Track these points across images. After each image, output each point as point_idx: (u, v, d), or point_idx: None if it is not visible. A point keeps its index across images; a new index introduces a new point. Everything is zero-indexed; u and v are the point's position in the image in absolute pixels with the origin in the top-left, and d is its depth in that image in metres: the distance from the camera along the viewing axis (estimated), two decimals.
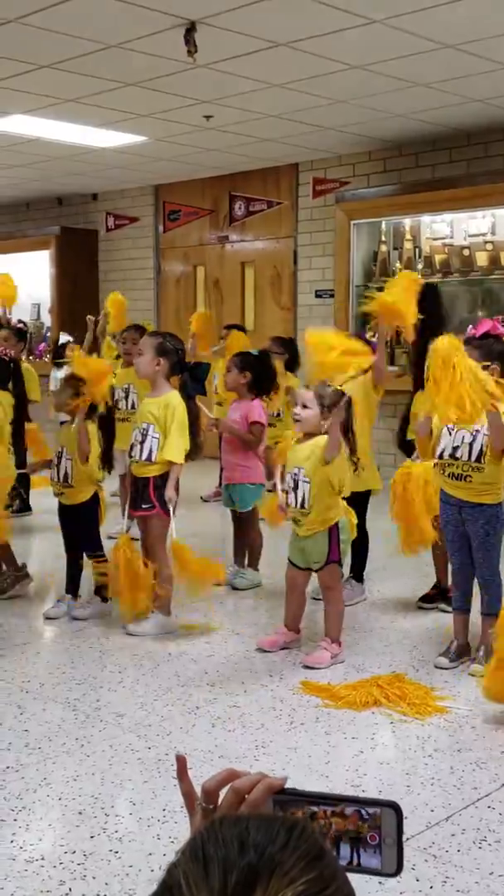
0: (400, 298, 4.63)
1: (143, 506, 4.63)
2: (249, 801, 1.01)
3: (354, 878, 0.90)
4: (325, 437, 4.18)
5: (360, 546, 5.21)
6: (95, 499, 4.94)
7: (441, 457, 4.15)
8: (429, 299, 4.78)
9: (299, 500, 4.24)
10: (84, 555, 4.97)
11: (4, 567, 5.31)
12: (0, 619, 4.86)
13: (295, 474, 4.24)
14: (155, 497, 4.57)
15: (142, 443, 4.61)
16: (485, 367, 4.04)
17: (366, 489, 4.96)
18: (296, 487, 4.24)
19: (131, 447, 4.69)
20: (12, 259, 12.22)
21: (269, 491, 5.21)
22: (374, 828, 1.00)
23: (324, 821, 1.01)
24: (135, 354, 6.12)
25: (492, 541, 4.13)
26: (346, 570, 5.30)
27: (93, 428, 4.83)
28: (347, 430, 4.40)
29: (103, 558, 4.89)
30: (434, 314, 4.82)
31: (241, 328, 8.04)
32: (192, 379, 4.89)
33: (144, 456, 4.59)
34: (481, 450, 4.04)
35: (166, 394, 4.66)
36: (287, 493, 4.29)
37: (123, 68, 6.19)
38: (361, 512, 5.02)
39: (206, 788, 1.06)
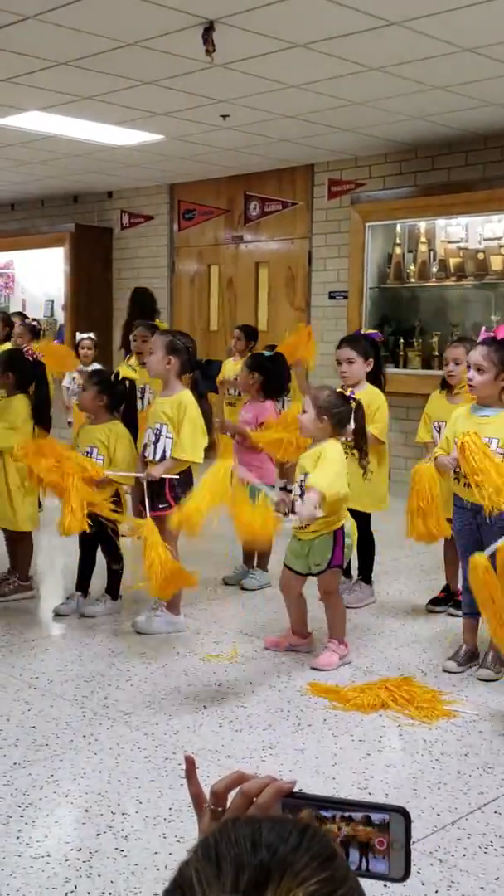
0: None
1: (160, 506, 4.63)
2: (258, 805, 1.01)
3: (364, 883, 0.90)
4: (329, 446, 4.18)
5: (367, 549, 5.23)
6: (115, 497, 4.95)
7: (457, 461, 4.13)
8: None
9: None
10: (98, 552, 4.97)
11: (12, 571, 5.28)
12: (11, 615, 4.88)
13: (301, 480, 4.23)
14: (171, 497, 4.57)
15: (155, 443, 4.60)
16: (499, 374, 4.04)
17: (374, 509, 5.07)
18: (302, 493, 4.20)
19: (144, 447, 4.68)
20: (27, 255, 12.32)
21: (282, 489, 5.21)
22: (383, 833, 1.00)
23: (332, 825, 1.01)
24: (146, 353, 6.13)
25: None
26: (354, 572, 5.33)
27: (123, 429, 4.86)
28: (359, 435, 4.40)
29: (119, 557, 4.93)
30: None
31: (254, 329, 8.01)
32: (203, 377, 4.88)
33: (158, 456, 4.59)
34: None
35: (178, 393, 4.65)
36: (295, 500, 4.24)
37: (141, 66, 6.19)
38: (367, 516, 5.04)
39: (215, 791, 1.06)
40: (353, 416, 4.32)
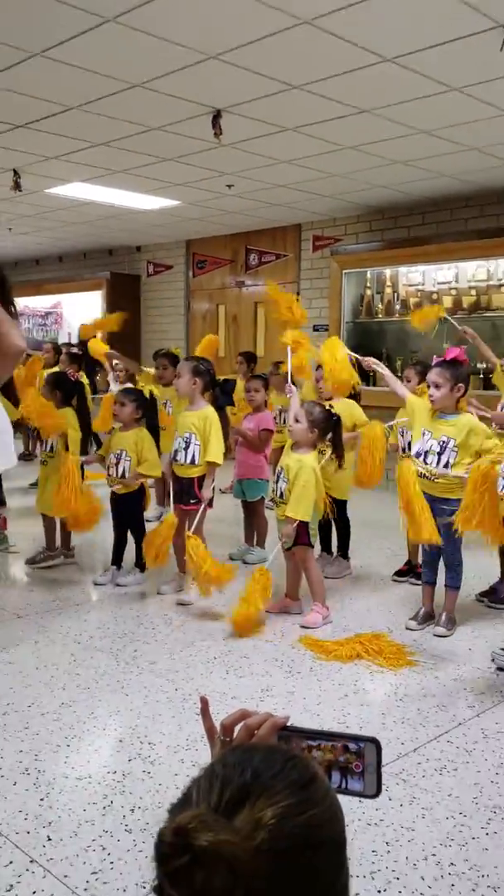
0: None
1: (191, 501, 4.62)
2: (258, 736, 1.01)
3: (342, 797, 0.89)
4: (307, 465, 4.17)
5: (344, 530, 5.23)
6: (142, 490, 4.95)
7: (418, 456, 4.11)
8: None
9: (279, 491, 4.26)
10: (128, 533, 4.97)
11: (46, 543, 5.28)
12: (60, 584, 4.87)
13: (279, 472, 4.28)
14: (201, 493, 4.59)
15: (186, 449, 4.60)
16: (453, 388, 4.03)
17: (345, 497, 5.06)
18: (277, 480, 4.30)
19: (175, 452, 4.66)
20: (72, 298, 12.33)
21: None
22: (359, 758, 1.00)
23: (318, 752, 1.01)
24: (167, 377, 6.13)
25: (455, 529, 4.09)
26: (335, 550, 5.33)
27: (147, 434, 4.86)
28: (336, 443, 4.41)
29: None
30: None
31: (254, 355, 8.01)
32: (222, 392, 4.88)
33: (188, 460, 4.59)
34: (448, 461, 4.01)
35: (203, 408, 4.65)
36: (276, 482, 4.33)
37: (162, 146, 6.19)
38: (344, 503, 5.05)
39: (223, 725, 1.06)
40: (333, 429, 4.35)
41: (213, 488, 4.70)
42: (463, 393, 4.09)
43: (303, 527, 4.22)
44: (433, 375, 4.04)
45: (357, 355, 4.87)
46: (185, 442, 4.60)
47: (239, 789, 0.77)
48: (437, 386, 4.02)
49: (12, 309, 3.33)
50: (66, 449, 5.05)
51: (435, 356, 4.28)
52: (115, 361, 7.12)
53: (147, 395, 5.28)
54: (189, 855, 0.70)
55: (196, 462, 4.57)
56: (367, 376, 8.36)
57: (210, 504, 4.68)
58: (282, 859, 0.73)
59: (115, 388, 7.01)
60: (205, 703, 1.12)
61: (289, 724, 1.02)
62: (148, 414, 5.09)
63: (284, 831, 0.74)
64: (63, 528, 5.28)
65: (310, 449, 4.25)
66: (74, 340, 11.37)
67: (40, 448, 5.34)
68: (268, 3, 3.75)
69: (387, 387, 4.52)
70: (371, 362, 4.54)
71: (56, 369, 6.97)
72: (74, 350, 7.52)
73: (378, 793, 1.00)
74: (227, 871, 0.70)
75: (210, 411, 4.62)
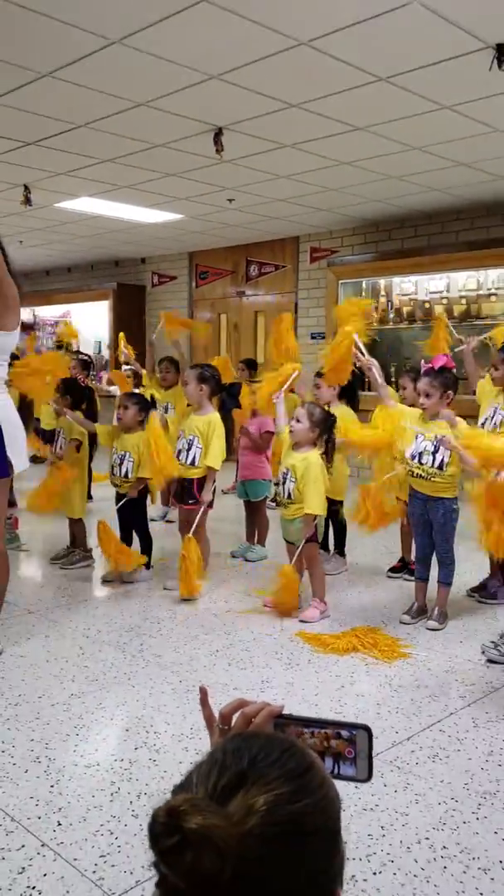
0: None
1: (190, 501, 4.62)
2: (255, 724, 1.01)
3: (338, 783, 0.89)
4: (314, 461, 4.16)
5: (340, 529, 5.22)
6: (146, 490, 4.94)
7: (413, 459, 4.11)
8: None
9: (285, 492, 4.24)
10: (133, 532, 4.97)
11: (77, 545, 5.30)
12: (69, 581, 4.87)
13: (285, 473, 4.24)
14: (199, 494, 4.59)
15: (188, 450, 4.60)
16: (443, 395, 4.03)
17: (340, 497, 5.03)
18: (284, 482, 4.24)
19: (178, 452, 4.67)
20: (81, 307, 12.34)
21: (276, 484, 5.20)
22: (351, 745, 1.00)
23: (312, 740, 1.01)
24: (169, 380, 6.13)
25: (448, 526, 4.11)
26: (331, 547, 5.32)
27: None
28: (328, 443, 4.38)
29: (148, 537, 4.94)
30: None
31: (254, 362, 8.01)
32: (228, 396, 4.87)
33: (189, 461, 4.59)
34: (443, 460, 4.01)
35: (209, 413, 4.64)
36: (278, 484, 4.29)
37: (166, 162, 6.20)
38: (340, 502, 5.04)
39: (222, 713, 1.06)
40: (329, 429, 4.32)
41: (214, 489, 4.69)
42: (451, 399, 4.11)
43: (308, 521, 4.21)
44: (423, 385, 4.08)
45: (363, 348, 4.80)
46: (188, 444, 4.61)
47: (235, 775, 0.77)
48: (427, 395, 4.06)
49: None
50: (78, 451, 5.10)
51: (423, 362, 4.29)
52: (125, 366, 7.13)
53: (148, 399, 5.27)
54: (179, 836, 0.70)
55: (196, 463, 4.58)
56: (364, 383, 8.37)
57: (210, 505, 4.68)
58: (272, 845, 0.73)
59: (114, 389, 7.04)
60: (203, 692, 1.12)
61: (284, 712, 1.03)
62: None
63: (275, 818, 0.74)
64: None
65: (311, 447, 4.24)
66: (83, 348, 11.38)
67: (51, 450, 5.34)
68: (267, 26, 3.76)
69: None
70: (370, 364, 4.42)
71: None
72: (83, 357, 7.52)
73: (369, 777, 1.00)
74: (215, 854, 0.70)
75: (215, 417, 4.62)
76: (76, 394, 5.19)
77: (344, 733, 1.00)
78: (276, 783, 0.77)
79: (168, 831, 0.71)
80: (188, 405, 4.85)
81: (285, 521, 4.33)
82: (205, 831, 0.70)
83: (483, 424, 4.51)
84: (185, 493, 4.65)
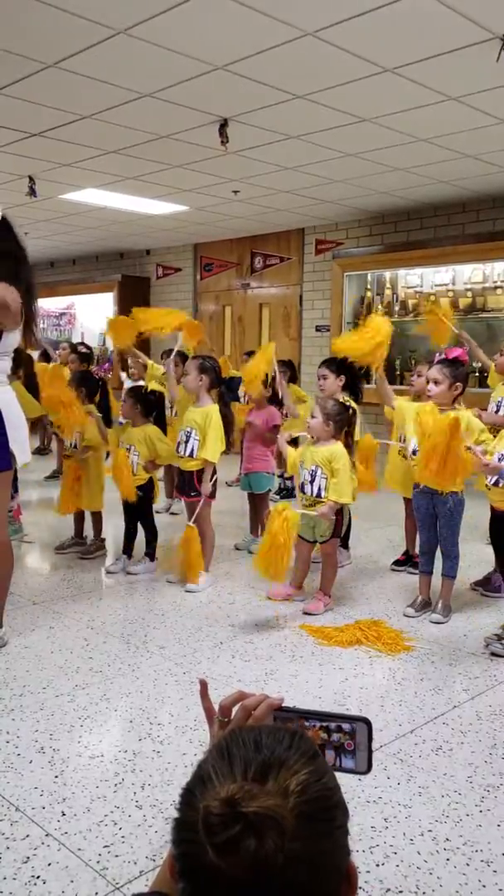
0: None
1: (192, 493, 4.62)
2: (255, 716, 1.01)
3: (341, 777, 0.90)
4: (340, 454, 4.13)
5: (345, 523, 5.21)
6: (150, 483, 4.94)
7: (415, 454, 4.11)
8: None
9: (315, 490, 4.19)
10: (139, 523, 4.98)
11: (93, 535, 5.32)
12: (73, 572, 4.89)
13: (313, 471, 4.19)
14: (200, 486, 4.58)
15: (186, 442, 4.60)
16: (451, 385, 4.02)
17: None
18: (312, 480, 4.18)
19: (178, 445, 4.67)
20: (85, 299, 12.35)
21: (280, 476, 5.18)
22: (351, 737, 1.00)
23: (312, 732, 1.01)
24: (177, 375, 6.11)
25: (455, 520, 4.10)
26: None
27: (154, 429, 4.86)
28: (349, 437, 4.34)
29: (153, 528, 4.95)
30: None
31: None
32: (227, 389, 4.86)
33: (187, 453, 4.59)
34: None
35: (207, 406, 4.63)
36: (303, 483, 4.22)
37: (171, 154, 6.19)
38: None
39: (222, 705, 1.06)
40: (349, 421, 4.29)
41: (216, 481, 4.69)
42: (461, 392, 4.08)
43: (339, 517, 4.20)
44: (433, 372, 4.05)
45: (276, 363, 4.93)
46: (186, 436, 4.60)
47: (261, 764, 0.80)
48: (436, 382, 4.03)
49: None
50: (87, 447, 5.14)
51: (437, 354, 4.28)
52: (130, 360, 7.12)
53: (150, 392, 5.26)
54: (241, 823, 0.73)
55: (194, 455, 4.58)
56: (368, 375, 8.36)
57: (212, 496, 4.67)
58: (312, 821, 0.77)
59: (128, 384, 7.03)
60: (203, 685, 1.12)
61: (284, 705, 1.03)
62: (156, 410, 5.08)
63: (309, 796, 0.78)
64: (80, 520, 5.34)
65: (331, 441, 4.21)
66: (87, 340, 11.40)
67: (57, 444, 5.39)
68: (272, 16, 3.74)
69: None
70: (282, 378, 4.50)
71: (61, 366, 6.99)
72: (83, 349, 7.51)
73: (369, 770, 1.00)
74: (277, 834, 0.73)
75: (212, 409, 4.60)
76: (90, 385, 5.23)
77: (344, 726, 1.00)
78: (298, 765, 0.80)
79: (227, 821, 0.73)
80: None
81: (312, 519, 4.23)
82: (268, 811, 0.74)
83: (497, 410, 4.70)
84: (187, 485, 4.66)
